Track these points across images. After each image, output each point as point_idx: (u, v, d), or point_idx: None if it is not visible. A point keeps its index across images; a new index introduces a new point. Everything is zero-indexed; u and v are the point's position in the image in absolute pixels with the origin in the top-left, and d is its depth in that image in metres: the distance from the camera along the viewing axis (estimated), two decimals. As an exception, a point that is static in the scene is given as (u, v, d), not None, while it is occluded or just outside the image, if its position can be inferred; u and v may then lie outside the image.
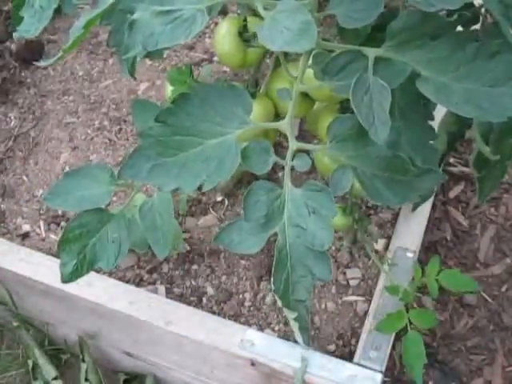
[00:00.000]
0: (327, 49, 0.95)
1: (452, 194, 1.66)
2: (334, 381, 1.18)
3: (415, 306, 1.28)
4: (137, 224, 1.15)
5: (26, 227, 1.56)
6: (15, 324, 1.52)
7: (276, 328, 1.37)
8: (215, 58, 1.82)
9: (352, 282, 1.42)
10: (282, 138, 1.50)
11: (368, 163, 0.92)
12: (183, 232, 1.49)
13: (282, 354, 1.21)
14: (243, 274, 1.45)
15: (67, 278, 1.14)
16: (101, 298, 1.32)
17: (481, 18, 1.06)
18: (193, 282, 1.44)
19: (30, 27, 1.12)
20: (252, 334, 1.25)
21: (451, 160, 1.70)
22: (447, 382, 1.42)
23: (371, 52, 0.90)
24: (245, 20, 1.15)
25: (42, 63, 1.08)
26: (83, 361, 1.45)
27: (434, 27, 0.89)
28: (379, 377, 1.19)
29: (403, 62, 0.89)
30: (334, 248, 1.46)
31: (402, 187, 0.93)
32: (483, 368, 1.44)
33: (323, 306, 1.39)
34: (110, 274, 1.43)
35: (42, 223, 1.56)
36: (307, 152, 0.95)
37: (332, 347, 1.34)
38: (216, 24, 1.83)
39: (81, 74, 1.87)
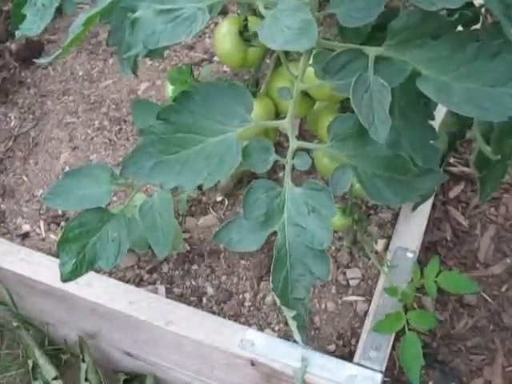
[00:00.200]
0: (328, 48, 0.95)
1: (452, 194, 1.66)
2: (334, 381, 1.18)
3: (415, 306, 1.29)
4: (137, 224, 1.15)
5: (26, 227, 1.56)
6: (15, 324, 1.52)
7: (276, 328, 1.37)
8: (215, 58, 1.82)
9: (352, 282, 1.42)
10: (283, 137, 1.50)
11: (368, 163, 0.92)
12: (183, 232, 1.49)
13: (282, 353, 1.21)
14: (243, 273, 1.45)
15: (67, 277, 1.14)
16: (101, 298, 1.32)
17: (481, 17, 1.06)
18: (193, 282, 1.44)
19: (32, 25, 1.12)
20: (252, 333, 1.25)
21: (451, 160, 1.70)
22: (447, 382, 1.42)
23: (372, 51, 0.91)
24: (245, 19, 1.15)
25: (41, 61, 1.08)
26: (83, 361, 1.45)
27: (434, 26, 0.89)
28: (379, 377, 1.18)
29: (403, 61, 0.90)
30: (333, 248, 1.46)
31: (403, 187, 0.93)
32: (483, 368, 1.44)
33: (323, 306, 1.39)
34: (110, 274, 1.43)
35: (41, 223, 1.56)
36: (308, 151, 0.95)
37: (332, 347, 1.34)
38: (216, 24, 1.83)
39: (81, 74, 1.87)
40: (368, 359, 1.22)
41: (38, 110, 1.79)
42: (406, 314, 1.22)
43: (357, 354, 1.24)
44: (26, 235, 1.54)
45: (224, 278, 1.45)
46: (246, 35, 1.15)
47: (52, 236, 1.53)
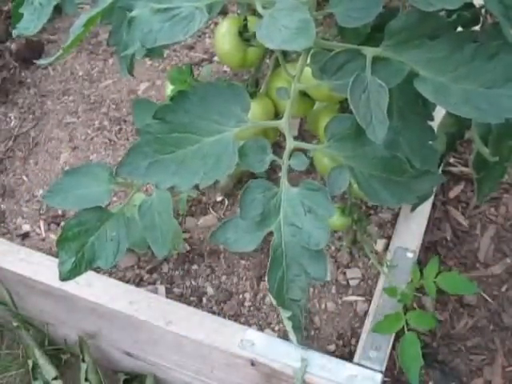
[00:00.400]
0: (325, 48, 0.95)
1: (452, 194, 1.66)
2: (334, 381, 1.18)
3: (415, 306, 1.28)
4: (136, 223, 1.15)
5: (26, 227, 1.56)
6: (15, 324, 1.52)
7: (276, 328, 1.37)
8: (215, 58, 1.82)
9: (352, 282, 1.42)
10: (282, 137, 1.50)
11: (365, 163, 0.92)
12: (183, 232, 1.49)
13: (281, 354, 1.21)
14: (243, 274, 1.45)
15: (65, 276, 1.14)
16: (101, 298, 1.32)
17: (481, 18, 1.06)
18: (193, 282, 1.44)
19: (29, 24, 1.12)
20: (252, 333, 1.25)
21: (451, 160, 1.70)
22: (447, 382, 1.42)
23: (369, 51, 0.91)
24: (245, 19, 1.15)
25: (41, 61, 1.08)
26: (83, 361, 1.45)
27: (432, 27, 0.89)
28: (379, 377, 1.18)
29: (401, 61, 0.89)
30: (333, 248, 1.46)
31: (400, 188, 0.93)
32: (483, 368, 1.44)
33: (323, 306, 1.39)
34: (110, 274, 1.43)
35: (41, 223, 1.56)
36: (305, 151, 0.95)
37: (332, 347, 1.34)
38: (216, 24, 1.83)
39: (81, 74, 1.87)
40: (368, 359, 1.22)
41: (38, 110, 1.79)
42: (405, 314, 1.22)
43: (357, 353, 1.24)
44: (26, 235, 1.54)
45: (224, 278, 1.45)
46: (245, 35, 1.15)
47: (52, 236, 1.53)
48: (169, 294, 1.42)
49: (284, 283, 0.94)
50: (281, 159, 0.93)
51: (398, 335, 1.23)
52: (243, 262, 1.46)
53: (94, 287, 1.33)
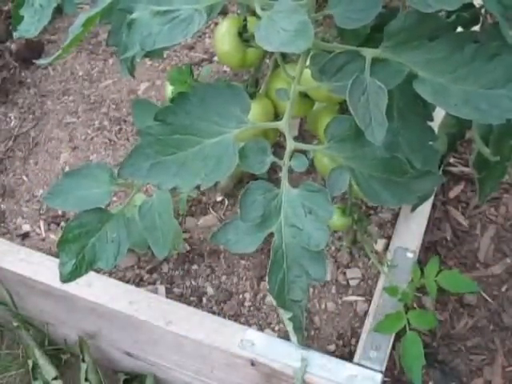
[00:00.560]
0: (325, 49, 0.95)
1: (452, 194, 1.66)
2: (334, 381, 1.18)
3: (415, 305, 1.28)
4: (136, 224, 1.15)
5: (26, 227, 1.56)
6: (15, 324, 1.52)
7: (276, 328, 1.37)
8: (215, 58, 1.82)
9: (352, 282, 1.42)
10: (283, 138, 1.50)
11: (365, 164, 0.92)
12: (183, 232, 1.49)
13: (281, 354, 1.21)
14: (243, 274, 1.45)
15: (66, 278, 1.14)
16: (101, 298, 1.32)
17: (481, 18, 1.06)
18: (193, 282, 1.44)
19: (30, 27, 1.12)
20: (252, 333, 1.25)
21: (451, 160, 1.70)
22: (447, 382, 1.42)
23: (368, 53, 0.91)
24: (245, 20, 1.15)
25: (41, 61, 1.08)
26: (83, 361, 1.45)
27: (431, 28, 0.89)
28: (379, 377, 1.18)
29: (400, 63, 0.89)
30: (333, 248, 1.46)
31: (400, 189, 0.93)
32: (483, 368, 1.44)
33: (323, 306, 1.39)
34: (110, 274, 1.43)
35: (42, 223, 1.56)
36: (305, 152, 0.95)
37: (332, 347, 1.34)
38: (216, 24, 1.83)
39: (81, 74, 1.87)
40: (368, 359, 1.22)
41: (38, 110, 1.79)
42: (406, 313, 1.22)
43: (357, 353, 1.24)
44: (26, 235, 1.54)
45: (224, 277, 1.45)
46: (245, 36, 1.15)
47: (52, 236, 1.53)
48: (169, 293, 1.42)
49: (285, 284, 0.94)
50: (281, 160, 0.93)
51: (399, 335, 1.23)
52: (243, 262, 1.46)
53: (94, 287, 1.33)
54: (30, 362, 1.49)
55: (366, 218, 1.39)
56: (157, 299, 1.33)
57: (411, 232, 1.41)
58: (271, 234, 0.93)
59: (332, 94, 0.94)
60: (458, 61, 0.87)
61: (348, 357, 1.29)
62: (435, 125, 1.09)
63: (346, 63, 0.91)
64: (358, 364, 1.21)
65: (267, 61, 1.29)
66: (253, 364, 1.22)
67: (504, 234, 1.60)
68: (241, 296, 1.42)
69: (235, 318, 1.38)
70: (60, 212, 1.58)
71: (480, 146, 1.10)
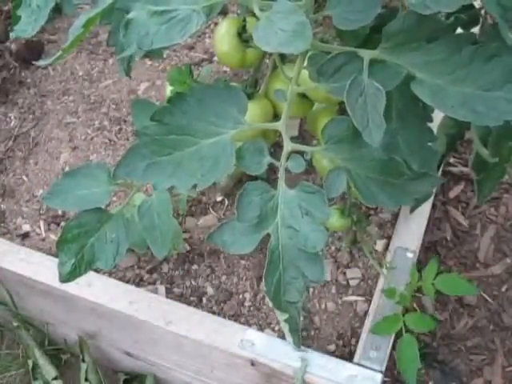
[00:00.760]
0: (323, 50, 0.95)
1: (452, 194, 1.66)
2: (334, 381, 1.18)
3: (415, 306, 1.28)
4: (135, 224, 1.15)
5: (26, 227, 1.56)
6: (15, 324, 1.53)
7: (276, 328, 1.37)
8: (215, 58, 1.81)
9: (352, 282, 1.42)
10: (282, 139, 1.50)
11: (363, 166, 0.92)
12: (183, 232, 1.49)
13: (281, 354, 1.21)
14: (243, 274, 1.45)
15: (65, 278, 1.14)
16: (101, 298, 1.32)
17: (481, 19, 1.06)
18: (193, 282, 1.44)
19: (26, 27, 1.12)
20: (252, 333, 1.25)
21: (451, 160, 1.70)
22: (447, 382, 1.42)
23: (366, 54, 0.90)
24: (244, 20, 1.15)
25: (41, 62, 1.08)
26: (83, 361, 1.45)
27: (430, 30, 0.88)
28: (379, 377, 1.18)
29: (398, 64, 0.89)
30: (333, 248, 1.46)
31: (397, 190, 0.93)
32: (483, 368, 1.44)
33: (323, 306, 1.39)
34: (110, 274, 1.43)
35: (41, 223, 1.56)
36: (303, 153, 0.95)
37: (332, 347, 1.34)
38: (216, 24, 1.83)
39: (81, 74, 1.87)
40: (368, 359, 1.22)
41: (38, 110, 1.79)
42: (405, 314, 1.22)
43: (357, 353, 1.24)
44: (26, 235, 1.54)
45: (224, 278, 1.45)
46: (244, 36, 1.15)
47: (52, 236, 1.53)
48: (169, 293, 1.42)
49: (281, 285, 0.94)
50: (278, 161, 0.93)
51: (399, 335, 1.23)
52: (243, 262, 1.46)
53: (93, 287, 1.33)
54: (30, 362, 1.49)
55: (365, 218, 1.39)
56: (157, 299, 1.33)
57: (411, 232, 1.41)
58: (270, 235, 0.93)
59: (330, 95, 0.94)
60: (457, 62, 0.87)
61: (348, 357, 1.29)
62: (434, 125, 1.09)
63: (343, 64, 0.91)
64: (358, 364, 1.21)
65: (267, 61, 1.29)
66: (253, 364, 1.22)
67: (504, 234, 1.60)
68: (241, 296, 1.42)
69: (235, 318, 1.38)
70: (60, 212, 1.58)
71: (478, 147, 1.10)
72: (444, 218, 1.62)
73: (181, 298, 1.41)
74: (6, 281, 1.45)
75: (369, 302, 1.36)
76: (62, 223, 1.55)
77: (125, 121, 1.73)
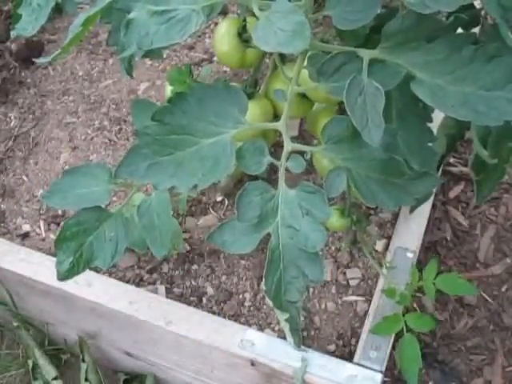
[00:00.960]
0: (322, 50, 0.95)
1: (452, 194, 1.66)
2: (334, 381, 1.18)
3: (415, 306, 1.28)
4: (134, 223, 1.15)
5: (26, 227, 1.56)
6: (15, 324, 1.53)
7: (276, 328, 1.36)
8: (215, 58, 1.81)
9: (352, 282, 1.42)
10: (283, 139, 1.50)
11: (363, 165, 0.92)
12: (183, 232, 1.49)
13: (281, 354, 1.21)
14: (243, 274, 1.45)
15: (63, 276, 1.14)
16: (101, 298, 1.32)
17: (481, 19, 1.06)
18: (193, 282, 1.44)
19: (27, 25, 1.12)
20: (252, 333, 1.25)
21: (451, 160, 1.70)
22: (447, 382, 1.42)
23: (366, 54, 0.90)
24: (244, 20, 1.15)
25: (41, 60, 1.08)
26: (83, 361, 1.45)
27: (430, 29, 0.88)
28: (379, 377, 1.18)
29: (398, 64, 0.89)
30: (333, 248, 1.46)
31: (397, 190, 0.93)
32: (483, 368, 1.44)
33: (323, 306, 1.39)
34: (110, 274, 1.43)
35: (41, 223, 1.56)
36: (303, 153, 0.95)
37: (332, 347, 1.34)
38: (216, 24, 1.83)
39: (81, 74, 1.87)
40: (368, 359, 1.22)
41: (38, 110, 1.79)
42: (405, 314, 1.22)
43: (357, 353, 1.24)
44: (26, 235, 1.54)
45: (224, 277, 1.45)
46: (244, 36, 1.15)
47: (52, 236, 1.53)
48: (169, 293, 1.42)
49: (281, 285, 0.94)
50: (279, 161, 0.93)
51: (399, 335, 1.23)
52: (243, 262, 1.46)
53: (93, 287, 1.33)
54: (30, 362, 1.49)
55: (365, 218, 1.38)
56: (157, 299, 1.33)
57: (411, 232, 1.41)
58: (270, 235, 0.93)
59: (329, 94, 0.94)
60: (457, 62, 0.87)
61: (348, 357, 1.29)
62: (435, 126, 1.09)
63: (343, 64, 0.91)
64: (358, 364, 1.21)
65: (267, 61, 1.29)
66: (253, 364, 1.22)
67: (504, 234, 1.60)
68: (241, 296, 1.42)
69: (235, 318, 1.38)
70: (60, 212, 1.58)
71: (478, 148, 1.10)
72: (444, 218, 1.62)
73: (181, 298, 1.41)
74: (5, 281, 1.45)
75: (369, 302, 1.36)
76: (62, 223, 1.55)
77: (125, 121, 1.72)
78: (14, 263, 1.39)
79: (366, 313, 1.35)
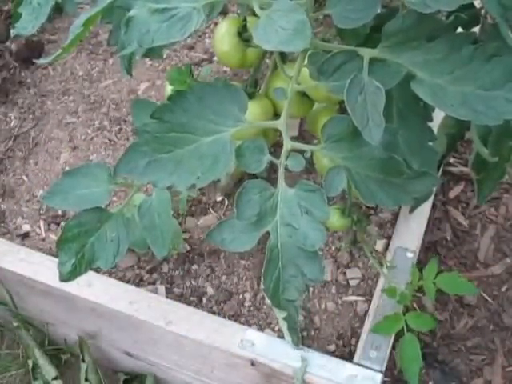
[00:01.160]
0: (323, 49, 0.95)
1: (452, 194, 1.66)
2: (334, 381, 1.18)
3: (415, 306, 1.28)
4: (135, 223, 1.15)
5: (26, 227, 1.56)
6: (15, 324, 1.52)
7: (276, 328, 1.36)
8: (215, 58, 1.81)
9: (352, 282, 1.41)
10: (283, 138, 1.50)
11: (362, 164, 0.92)
12: (183, 232, 1.49)
13: (281, 354, 1.21)
14: (243, 274, 1.45)
15: (66, 277, 1.14)
16: (101, 298, 1.32)
17: (481, 19, 1.06)
18: (193, 282, 1.44)
19: (27, 24, 1.12)
20: (252, 333, 1.25)
21: (451, 160, 1.70)
22: (447, 382, 1.42)
23: (366, 53, 0.91)
24: (244, 20, 1.15)
25: (41, 60, 1.08)
26: (83, 361, 1.45)
27: (430, 29, 0.88)
28: (379, 377, 1.18)
29: (398, 63, 0.89)
30: (333, 248, 1.46)
31: (396, 189, 0.93)
32: (483, 368, 1.44)
33: (323, 306, 1.39)
34: (110, 274, 1.43)
35: (42, 223, 1.56)
36: (302, 152, 0.95)
37: (332, 347, 1.34)
38: (216, 24, 1.83)
39: (81, 74, 1.87)
40: (368, 359, 1.22)
41: (38, 110, 1.79)
42: (405, 314, 1.22)
43: (357, 353, 1.24)
44: (26, 235, 1.54)
45: (224, 277, 1.45)
46: (244, 36, 1.15)
47: (52, 236, 1.53)
48: (169, 293, 1.42)
49: (280, 284, 0.94)
50: (278, 160, 0.93)
51: (399, 335, 1.23)
52: (243, 261, 1.46)
53: (94, 287, 1.33)
54: (30, 362, 1.49)
55: (365, 218, 1.39)
56: (157, 299, 1.33)
57: (411, 232, 1.41)
58: (269, 233, 0.93)
59: (330, 93, 0.94)
60: (456, 61, 0.87)
61: (348, 357, 1.29)
62: (435, 125, 1.09)
63: (343, 63, 0.91)
64: (358, 364, 1.21)
65: (267, 61, 1.29)
66: (253, 364, 1.22)
67: (504, 234, 1.60)
68: (241, 296, 1.42)
69: (235, 318, 1.38)
70: (60, 212, 1.58)
71: (479, 146, 1.10)
72: (444, 218, 1.62)
73: (181, 298, 1.41)
74: (5, 281, 1.45)
75: (369, 301, 1.36)
76: (62, 223, 1.55)
77: (125, 121, 1.72)
78: (13, 263, 1.39)
79: (366, 313, 1.35)
